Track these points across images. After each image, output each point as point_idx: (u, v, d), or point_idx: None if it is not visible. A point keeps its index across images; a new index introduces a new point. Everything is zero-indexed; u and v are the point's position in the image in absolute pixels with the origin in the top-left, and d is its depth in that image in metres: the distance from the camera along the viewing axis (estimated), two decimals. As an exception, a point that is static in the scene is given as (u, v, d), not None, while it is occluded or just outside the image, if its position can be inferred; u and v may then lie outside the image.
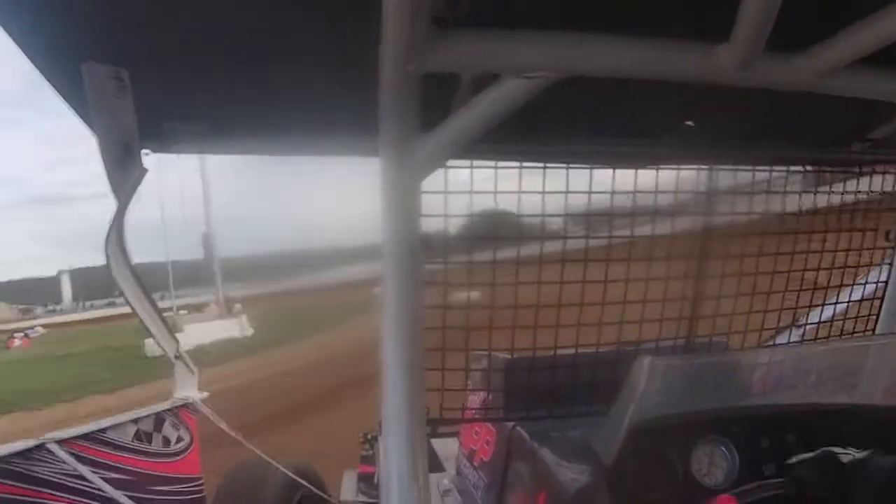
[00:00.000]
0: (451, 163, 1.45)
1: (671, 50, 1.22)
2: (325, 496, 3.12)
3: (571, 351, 1.81)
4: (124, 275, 1.91)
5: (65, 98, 1.51)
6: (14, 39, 1.22)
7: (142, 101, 1.49)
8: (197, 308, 24.74)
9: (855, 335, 2.05)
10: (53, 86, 1.44)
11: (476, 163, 1.61)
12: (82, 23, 1.23)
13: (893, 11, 1.11)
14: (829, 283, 1.99)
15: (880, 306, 2.09)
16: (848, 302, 2.12)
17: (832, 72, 1.25)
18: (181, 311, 23.46)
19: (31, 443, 2.00)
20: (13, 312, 42.27)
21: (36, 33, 1.23)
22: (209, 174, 24.54)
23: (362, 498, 2.84)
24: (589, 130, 1.79)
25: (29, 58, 1.29)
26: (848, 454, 1.26)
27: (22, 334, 27.74)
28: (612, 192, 1.74)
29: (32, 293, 48.28)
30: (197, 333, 17.30)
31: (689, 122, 1.81)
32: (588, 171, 1.70)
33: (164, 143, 1.72)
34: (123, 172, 1.61)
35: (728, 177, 1.84)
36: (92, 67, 1.40)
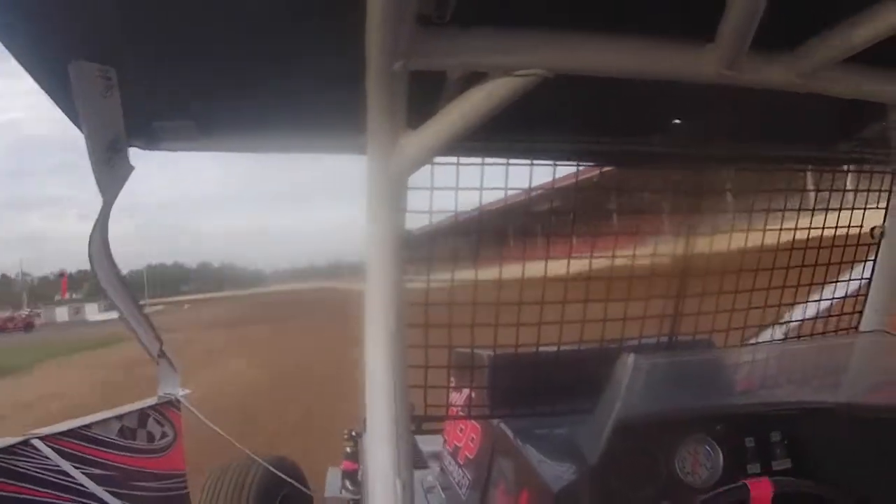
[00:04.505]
0: (437, 160, 1.44)
1: (657, 48, 1.21)
2: (308, 492, 3.14)
3: (555, 348, 1.81)
4: (108, 274, 1.88)
5: (51, 97, 1.49)
6: (0, 38, 1.20)
7: (129, 98, 1.47)
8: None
9: (839, 333, 2.06)
10: (40, 84, 1.42)
11: (462, 160, 1.60)
12: (69, 22, 1.21)
13: (878, 11, 1.11)
14: (812, 280, 1.99)
15: (864, 303, 2.10)
16: (832, 299, 2.13)
17: (818, 71, 1.25)
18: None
19: (15, 439, 1.98)
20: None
21: (23, 32, 1.21)
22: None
23: (346, 494, 2.83)
24: (576, 128, 1.79)
25: (15, 56, 1.27)
26: None
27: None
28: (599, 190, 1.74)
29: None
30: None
31: (677, 121, 1.81)
32: (575, 168, 1.70)
33: (151, 140, 1.71)
34: (110, 170, 1.59)
35: (715, 175, 1.84)
36: (79, 66, 1.38)
